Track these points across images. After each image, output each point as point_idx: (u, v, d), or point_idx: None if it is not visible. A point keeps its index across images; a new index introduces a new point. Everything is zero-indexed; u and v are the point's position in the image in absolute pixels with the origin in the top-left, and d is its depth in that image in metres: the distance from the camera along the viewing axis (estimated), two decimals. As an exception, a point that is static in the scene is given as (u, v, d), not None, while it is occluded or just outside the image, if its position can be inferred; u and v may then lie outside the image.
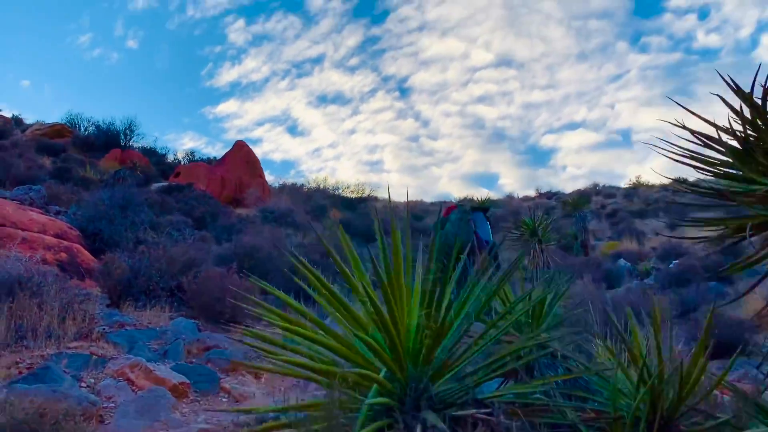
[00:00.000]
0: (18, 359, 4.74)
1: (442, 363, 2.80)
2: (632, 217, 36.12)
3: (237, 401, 4.91)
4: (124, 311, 6.39)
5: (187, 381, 4.78)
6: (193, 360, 5.46)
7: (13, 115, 32.03)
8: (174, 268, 6.98)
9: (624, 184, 54.98)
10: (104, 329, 5.63)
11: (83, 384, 4.52)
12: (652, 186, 56.28)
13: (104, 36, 66.61)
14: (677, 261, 16.92)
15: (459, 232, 9.01)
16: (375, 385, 2.68)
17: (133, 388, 4.62)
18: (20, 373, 4.48)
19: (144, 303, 6.58)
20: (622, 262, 19.84)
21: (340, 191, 33.23)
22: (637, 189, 53.26)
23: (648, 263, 18.62)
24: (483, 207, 11.99)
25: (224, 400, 4.90)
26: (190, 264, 7.09)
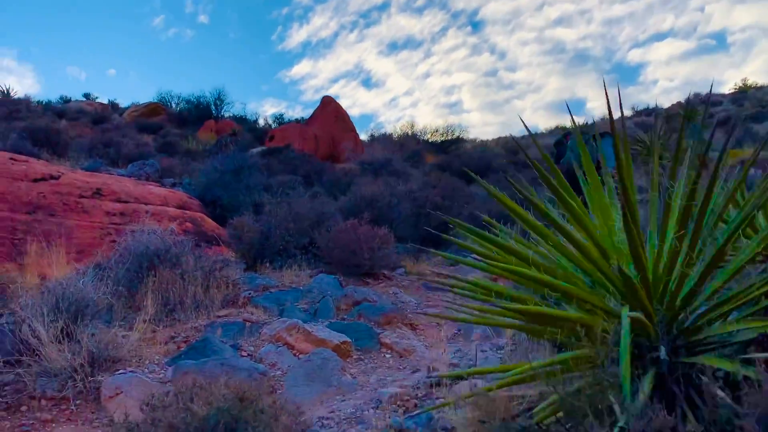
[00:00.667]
0: (173, 333, 4.55)
1: (707, 299, 2.21)
2: (749, 121, 33.16)
3: (401, 356, 4.52)
4: (263, 273, 6.15)
5: (348, 339, 4.43)
6: (345, 317, 5.13)
7: (109, 100, 33.23)
8: (303, 225, 6.67)
9: (727, 90, 50.92)
10: (249, 294, 5.39)
11: (243, 353, 4.26)
12: (762, 87, 51.71)
13: (176, 15, 67.91)
14: None
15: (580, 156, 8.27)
16: (625, 331, 2.11)
17: (294, 352, 4.32)
18: (179, 348, 4.27)
19: (280, 263, 6.32)
20: (751, 171, 17.99)
21: (428, 136, 32.46)
22: (745, 92, 49.10)
23: None
24: (609, 132, 10.97)
25: (388, 356, 4.53)
26: (318, 219, 6.76)
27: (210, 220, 8.12)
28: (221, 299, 5.15)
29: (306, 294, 5.45)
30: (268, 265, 6.32)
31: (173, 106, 29.77)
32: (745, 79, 52.45)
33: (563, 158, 8.64)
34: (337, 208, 7.75)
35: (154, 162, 11.05)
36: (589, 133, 9.61)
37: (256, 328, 4.66)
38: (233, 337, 4.48)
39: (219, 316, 4.92)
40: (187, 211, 8.02)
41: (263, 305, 5.11)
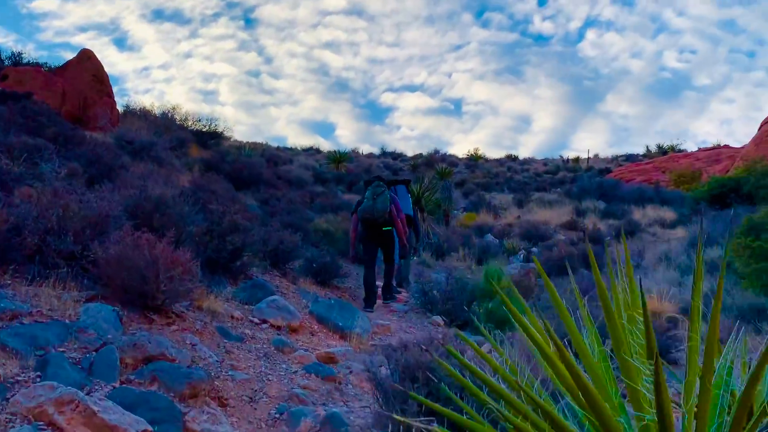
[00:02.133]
0: None
1: None
2: (479, 189, 36.76)
3: (215, 453, 3.35)
4: (4, 284, 4.36)
5: (148, 427, 3.13)
6: (132, 377, 3.74)
7: None
8: (75, 225, 4.99)
9: (461, 154, 56.98)
10: (-10, 323, 3.67)
11: (-18, 437, 2.72)
12: (488, 159, 59.18)
13: None
14: (536, 249, 16.71)
15: (378, 205, 8.07)
16: None
17: (65, 440, 2.89)
18: None
19: (33, 273, 4.57)
20: (489, 237, 19.46)
21: (189, 123, 30.09)
22: (476, 160, 55.38)
23: (513, 241, 18.26)
24: (405, 180, 11.05)
25: (197, 451, 3.32)
26: (98, 221, 5.13)
27: None
28: (-59, 326, 3.40)
29: (76, 334, 3.89)
30: (13, 273, 4.53)
31: None
32: (476, 149, 59.25)
33: (363, 205, 8.33)
34: (122, 209, 6.14)
35: None
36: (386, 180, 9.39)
37: (2, 389, 3.08)
38: (-36, 403, 2.87)
39: (-63, 359, 3.20)
40: None
41: (12, 347, 3.48)
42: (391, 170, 45.96)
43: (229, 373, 4.37)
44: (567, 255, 14.04)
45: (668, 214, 22.48)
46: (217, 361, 4.48)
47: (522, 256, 16.68)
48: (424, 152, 58.49)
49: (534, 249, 17.27)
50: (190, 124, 30.35)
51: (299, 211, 13.29)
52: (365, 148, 54.84)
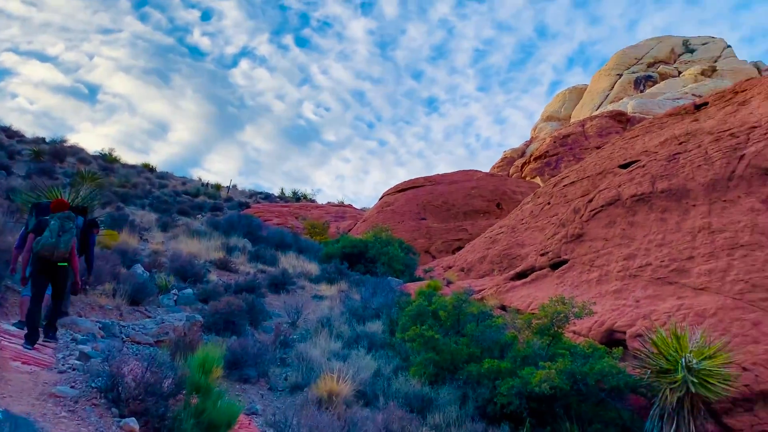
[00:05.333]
0: None
1: None
2: (117, 198, 32.39)
3: None
4: None
5: None
6: None
7: None
8: None
9: (92, 149, 51.27)
10: None
11: None
12: (126, 164, 54.06)
13: None
14: (191, 290, 15.10)
15: (61, 244, 7.32)
16: None
17: None
18: None
19: None
20: (139, 269, 16.52)
21: None
22: (112, 163, 49.97)
23: (165, 277, 16.09)
24: (83, 210, 9.47)
25: None
26: None
27: None
28: None
29: None
30: None
31: None
32: (112, 149, 53.72)
33: (43, 240, 7.31)
34: None
35: None
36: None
37: None
38: None
39: None
40: None
41: None
42: (6, 151, 38.30)
43: None
44: (236, 308, 12.97)
45: (311, 266, 22.89)
46: None
47: (175, 297, 14.66)
48: (43, 134, 50.72)
49: (188, 290, 15.38)
50: None
51: None
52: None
